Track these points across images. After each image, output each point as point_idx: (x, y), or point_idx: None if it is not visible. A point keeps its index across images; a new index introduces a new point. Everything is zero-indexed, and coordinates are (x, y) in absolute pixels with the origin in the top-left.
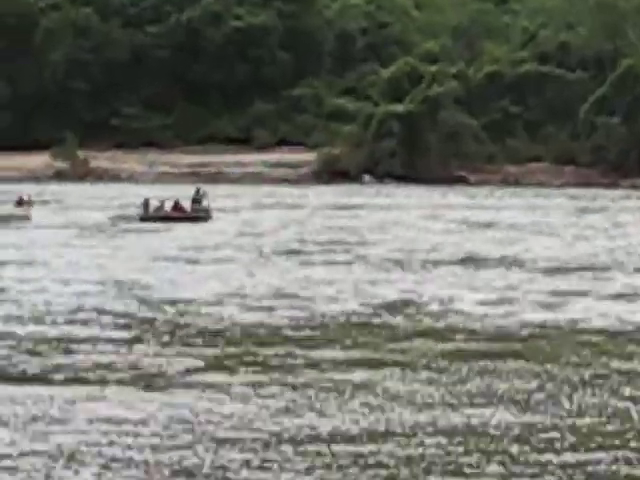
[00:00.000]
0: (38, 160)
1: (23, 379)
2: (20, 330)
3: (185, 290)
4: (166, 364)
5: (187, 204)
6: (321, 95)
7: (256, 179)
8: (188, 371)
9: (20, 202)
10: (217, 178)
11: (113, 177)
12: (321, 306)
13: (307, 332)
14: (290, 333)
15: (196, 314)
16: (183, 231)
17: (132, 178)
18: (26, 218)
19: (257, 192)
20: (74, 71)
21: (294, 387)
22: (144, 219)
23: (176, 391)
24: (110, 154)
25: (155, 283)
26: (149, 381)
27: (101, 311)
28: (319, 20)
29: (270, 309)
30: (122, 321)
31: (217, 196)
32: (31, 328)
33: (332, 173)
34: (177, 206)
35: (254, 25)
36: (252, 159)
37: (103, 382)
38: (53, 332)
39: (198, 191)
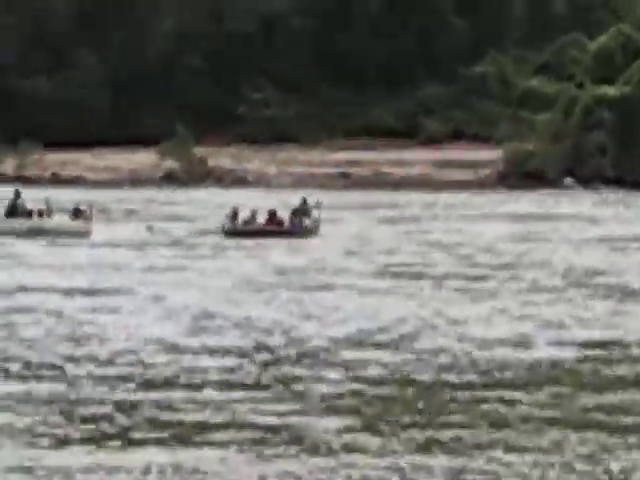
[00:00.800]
0: (142, 159)
1: (117, 445)
2: (109, 389)
3: (302, 328)
4: (299, 426)
5: (286, 215)
6: (508, 74)
7: (422, 183)
8: (326, 433)
9: (77, 213)
10: (373, 181)
11: (237, 180)
12: (496, 348)
13: (485, 389)
14: (464, 390)
15: (331, 361)
16: (280, 249)
17: (262, 181)
18: (85, 233)
19: (418, 199)
20: (187, 45)
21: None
22: (230, 233)
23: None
24: (234, 151)
25: (260, 319)
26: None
27: (202, 360)
28: None
29: (429, 352)
30: (233, 376)
31: (360, 206)
32: (127, 389)
33: (523, 175)
34: (273, 218)
35: None
36: (418, 157)
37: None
38: (149, 390)
39: (305, 201)
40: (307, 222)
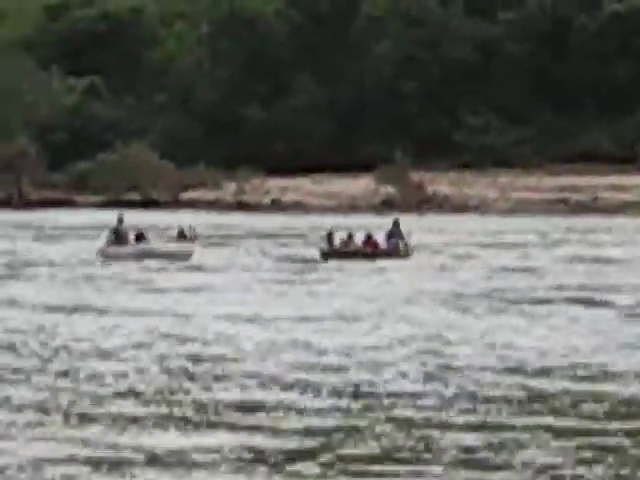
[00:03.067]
0: (361, 185)
1: None
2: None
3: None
4: None
5: (381, 238)
6: None
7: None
8: None
9: (181, 235)
10: (590, 207)
11: (457, 206)
12: None
13: None
14: None
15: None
16: (392, 270)
17: (482, 207)
18: (187, 256)
19: (630, 224)
20: (405, 70)
21: None
22: (327, 255)
23: None
24: (453, 176)
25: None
26: None
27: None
28: None
29: None
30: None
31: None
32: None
33: None
34: (369, 240)
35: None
36: (637, 182)
37: None
38: None
39: (397, 223)
40: (401, 245)
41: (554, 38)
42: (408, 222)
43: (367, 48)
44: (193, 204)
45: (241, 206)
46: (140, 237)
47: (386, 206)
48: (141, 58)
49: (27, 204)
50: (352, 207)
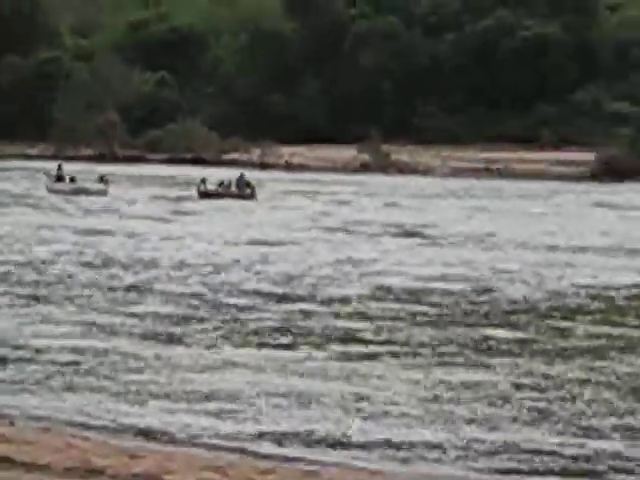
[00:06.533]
0: (347, 153)
1: None
2: None
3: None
4: None
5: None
6: (600, 100)
7: (538, 175)
8: None
9: (101, 179)
10: (504, 173)
11: (411, 170)
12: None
13: None
14: None
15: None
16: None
17: (428, 171)
18: (104, 192)
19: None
20: (381, 74)
21: None
22: (202, 195)
23: None
24: (410, 149)
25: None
26: None
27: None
28: (599, 32)
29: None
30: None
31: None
32: None
33: (610, 172)
34: (227, 185)
35: (541, 35)
36: (536, 157)
37: None
38: None
39: (242, 175)
40: (248, 190)
41: (483, 54)
42: (376, 180)
43: (355, 57)
44: (230, 163)
45: (263, 166)
46: (73, 179)
47: (363, 169)
48: (197, 60)
49: (116, 159)
50: (339, 168)
